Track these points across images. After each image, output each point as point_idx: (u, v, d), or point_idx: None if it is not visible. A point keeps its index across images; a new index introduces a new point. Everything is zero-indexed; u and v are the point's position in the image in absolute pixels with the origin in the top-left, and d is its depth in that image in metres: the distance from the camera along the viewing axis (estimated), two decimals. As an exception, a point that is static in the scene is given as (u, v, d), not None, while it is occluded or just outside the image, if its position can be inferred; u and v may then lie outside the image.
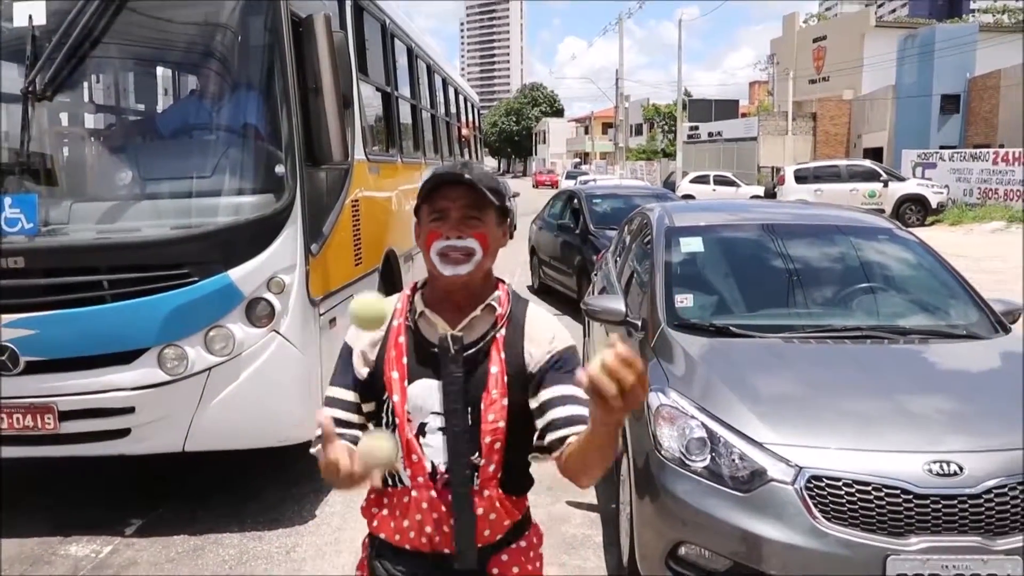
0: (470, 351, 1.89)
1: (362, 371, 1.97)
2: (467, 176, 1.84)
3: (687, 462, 3.47)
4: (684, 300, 4.52)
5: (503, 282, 1.99)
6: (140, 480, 5.52)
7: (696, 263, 4.96)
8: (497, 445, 1.87)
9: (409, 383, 1.90)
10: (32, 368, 4.58)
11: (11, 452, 4.87)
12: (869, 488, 3.18)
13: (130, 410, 4.65)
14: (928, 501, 3.15)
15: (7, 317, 4.52)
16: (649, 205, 6.46)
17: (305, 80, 4.84)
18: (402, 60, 8.67)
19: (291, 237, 4.74)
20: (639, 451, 3.77)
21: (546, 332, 1.93)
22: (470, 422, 1.87)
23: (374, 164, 6.80)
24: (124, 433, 4.71)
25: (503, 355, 1.89)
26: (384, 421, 1.94)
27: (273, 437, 4.83)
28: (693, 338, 4.20)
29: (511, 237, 2.00)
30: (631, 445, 3.92)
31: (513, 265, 16.68)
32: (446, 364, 1.87)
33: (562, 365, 1.88)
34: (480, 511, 1.88)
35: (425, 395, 1.89)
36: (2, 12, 4.63)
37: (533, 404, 1.88)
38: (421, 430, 1.90)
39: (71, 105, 5.37)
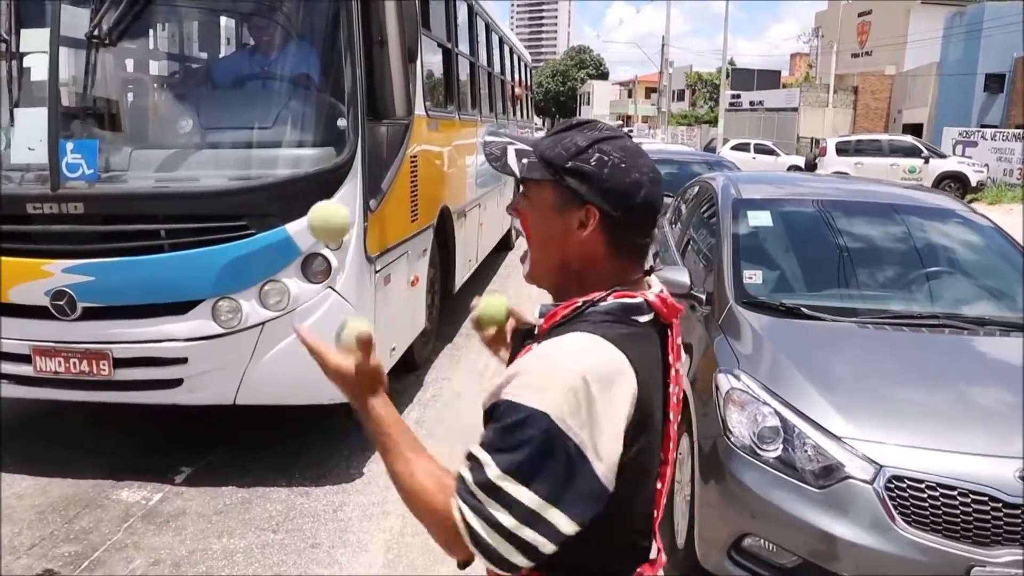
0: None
1: None
2: (487, 139, 1.47)
3: (758, 451, 3.15)
4: (753, 276, 4.16)
5: (613, 294, 1.39)
6: (192, 426, 5.30)
7: (765, 238, 4.58)
8: None
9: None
10: (89, 314, 4.37)
11: (68, 395, 4.70)
12: (955, 493, 2.85)
13: (183, 361, 4.42)
14: (1019, 511, 2.82)
15: (66, 262, 4.30)
16: (710, 174, 6.07)
17: (370, 32, 4.49)
18: (463, 17, 8.27)
19: (351, 192, 4.44)
20: (705, 434, 3.45)
21: (513, 368, 1.34)
22: None
23: (433, 120, 6.46)
24: (176, 383, 4.49)
25: None
26: None
27: (325, 395, 4.56)
28: (763, 317, 3.85)
29: (596, 225, 1.39)
30: (696, 426, 3.61)
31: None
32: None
33: (488, 415, 1.32)
34: None
35: None
36: None
37: None
38: None
39: (134, 52, 5.07)
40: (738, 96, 51.84)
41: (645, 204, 1.38)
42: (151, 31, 5.16)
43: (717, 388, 3.42)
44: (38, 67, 4.33)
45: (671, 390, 1.45)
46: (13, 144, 4.41)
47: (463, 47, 8.27)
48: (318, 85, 4.62)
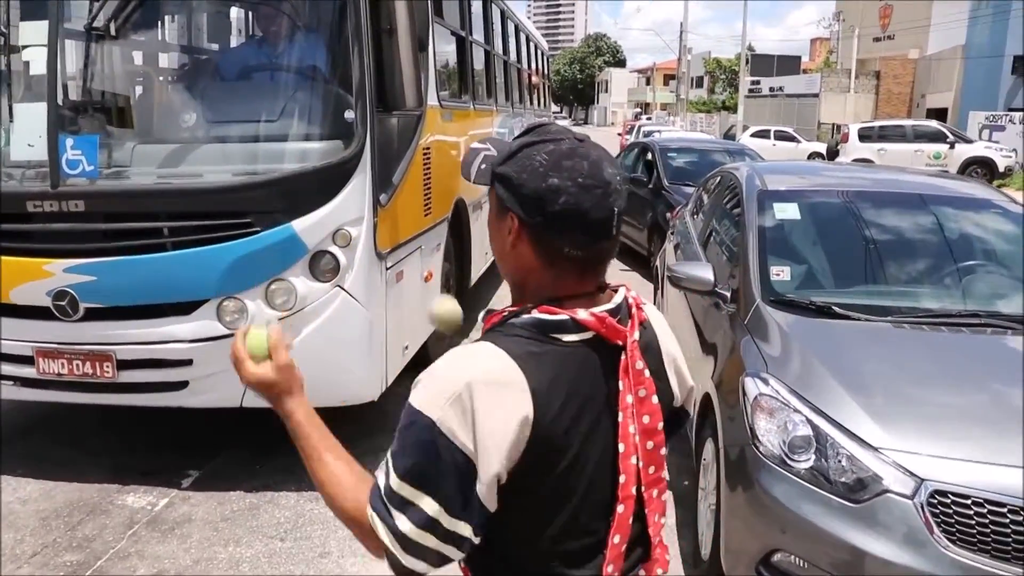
0: None
1: None
2: (474, 145, 1.41)
3: (788, 461, 2.95)
4: (780, 273, 3.94)
5: (537, 308, 1.31)
6: (202, 427, 5.13)
7: (792, 232, 4.35)
8: None
9: None
10: (91, 315, 4.23)
11: (71, 398, 4.57)
12: (1004, 510, 2.64)
13: (188, 362, 4.27)
14: (1074, 529, 2.60)
15: (67, 262, 4.16)
16: (733, 164, 5.84)
17: (379, 21, 4.31)
18: (477, 4, 8.06)
19: (359, 187, 4.26)
20: (732, 442, 3.26)
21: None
22: None
23: (447, 110, 6.27)
24: (182, 385, 4.34)
25: None
26: None
27: (334, 397, 4.39)
28: (792, 317, 3.64)
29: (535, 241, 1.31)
30: (721, 432, 3.41)
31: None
32: None
33: None
34: None
35: None
36: None
37: None
38: None
39: (135, 44, 4.89)
40: (758, 82, 51.30)
41: (567, 212, 1.26)
42: (152, 22, 4.97)
43: (744, 393, 3.23)
44: (37, 61, 4.17)
45: (621, 419, 1.32)
46: (12, 140, 4.27)
47: (478, 35, 8.07)
48: (324, 76, 4.44)
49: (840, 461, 2.87)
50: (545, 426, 1.24)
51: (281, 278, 4.17)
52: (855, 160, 24.05)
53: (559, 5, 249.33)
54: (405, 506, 1.23)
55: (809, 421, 2.98)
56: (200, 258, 4.11)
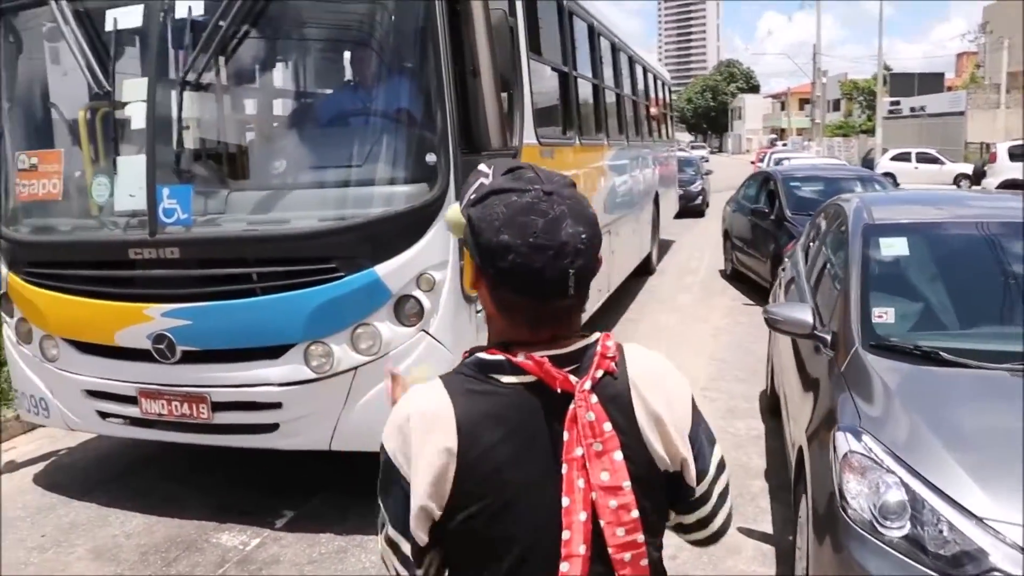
0: None
1: None
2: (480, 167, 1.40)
3: (880, 528, 2.65)
4: (883, 315, 3.61)
5: (485, 350, 1.34)
6: (304, 465, 5.16)
7: (900, 269, 4.00)
8: None
9: None
10: (188, 358, 4.34)
11: (171, 437, 4.70)
12: None
13: (278, 405, 4.31)
14: None
15: (165, 306, 4.30)
16: (845, 196, 5.48)
17: (462, 63, 4.26)
18: (582, 38, 7.95)
19: (443, 230, 4.20)
20: (820, 496, 2.98)
21: None
22: None
23: (547, 147, 6.17)
24: (273, 428, 4.38)
25: None
26: None
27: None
28: (894, 364, 3.31)
29: (481, 290, 1.34)
30: (811, 491, 3.13)
31: (703, 244, 15.76)
32: None
33: None
34: None
35: None
36: (165, 4, 4.35)
37: None
38: None
39: (225, 94, 5.03)
40: (897, 103, 49.10)
41: (515, 271, 1.24)
42: (240, 73, 5.09)
43: (835, 449, 2.94)
44: (137, 115, 4.35)
45: (566, 471, 1.26)
46: (116, 192, 4.44)
47: (584, 70, 7.96)
48: (407, 120, 4.41)
49: (940, 530, 2.55)
50: (471, 460, 1.25)
51: (366, 322, 4.15)
52: (1004, 181, 22.52)
53: (690, 33, 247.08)
54: (380, 520, 1.37)
55: (903, 483, 2.67)
56: (287, 303, 4.14)
